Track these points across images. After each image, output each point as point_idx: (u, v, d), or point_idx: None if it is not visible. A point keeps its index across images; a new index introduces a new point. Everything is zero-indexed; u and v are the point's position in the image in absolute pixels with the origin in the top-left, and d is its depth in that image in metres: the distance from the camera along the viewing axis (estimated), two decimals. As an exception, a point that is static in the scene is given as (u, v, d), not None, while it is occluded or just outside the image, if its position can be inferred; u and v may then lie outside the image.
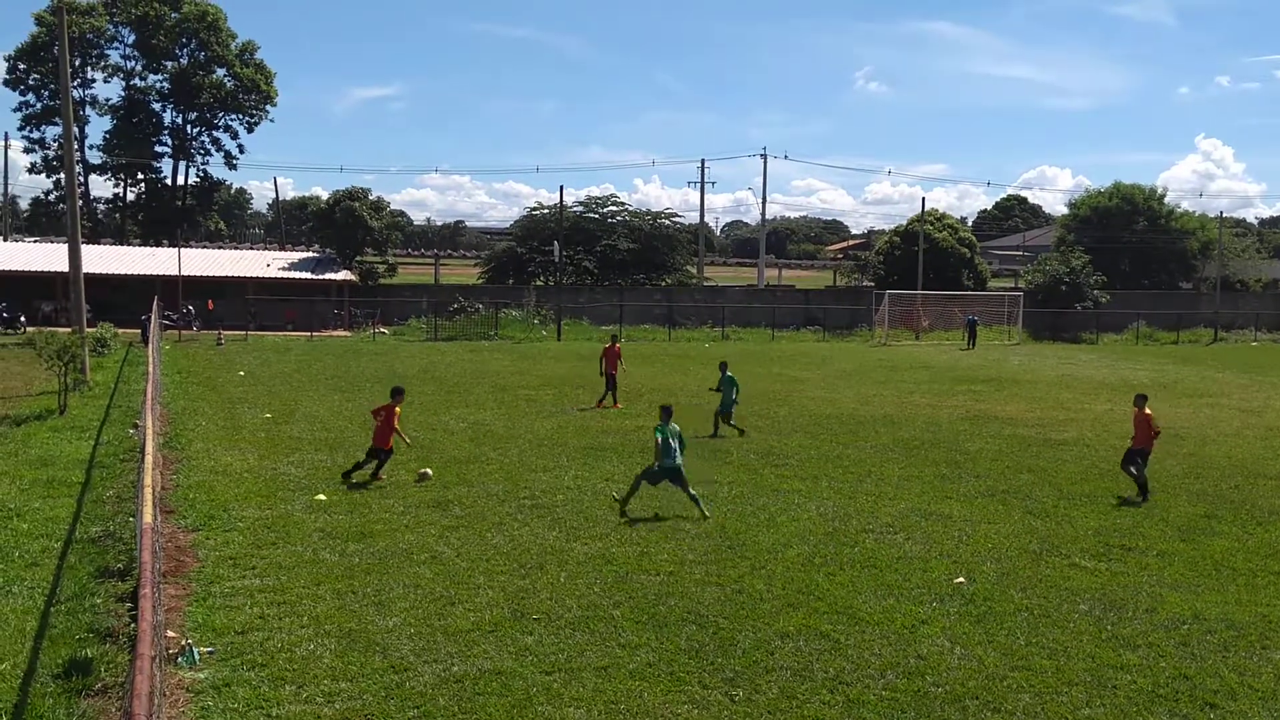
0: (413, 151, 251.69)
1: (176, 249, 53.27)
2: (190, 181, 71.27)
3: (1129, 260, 67.83)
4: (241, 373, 31.89)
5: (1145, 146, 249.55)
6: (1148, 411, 16.95)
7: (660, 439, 14.66)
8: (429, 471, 16.95)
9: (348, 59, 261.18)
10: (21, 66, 65.03)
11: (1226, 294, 65.88)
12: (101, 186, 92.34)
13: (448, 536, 13.36)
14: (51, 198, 69.40)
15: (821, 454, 19.83)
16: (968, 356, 45.08)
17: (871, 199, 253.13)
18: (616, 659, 9.52)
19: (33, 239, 71.72)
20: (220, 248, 76.99)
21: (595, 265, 61.86)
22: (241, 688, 8.69)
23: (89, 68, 67.37)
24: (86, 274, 32.02)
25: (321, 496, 15.30)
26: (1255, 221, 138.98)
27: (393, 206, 63.24)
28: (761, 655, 9.68)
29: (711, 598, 11.20)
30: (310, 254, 59.80)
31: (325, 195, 62.32)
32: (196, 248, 65.31)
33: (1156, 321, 60.70)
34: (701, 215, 79.12)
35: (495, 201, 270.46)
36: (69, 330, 27.94)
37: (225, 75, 67.90)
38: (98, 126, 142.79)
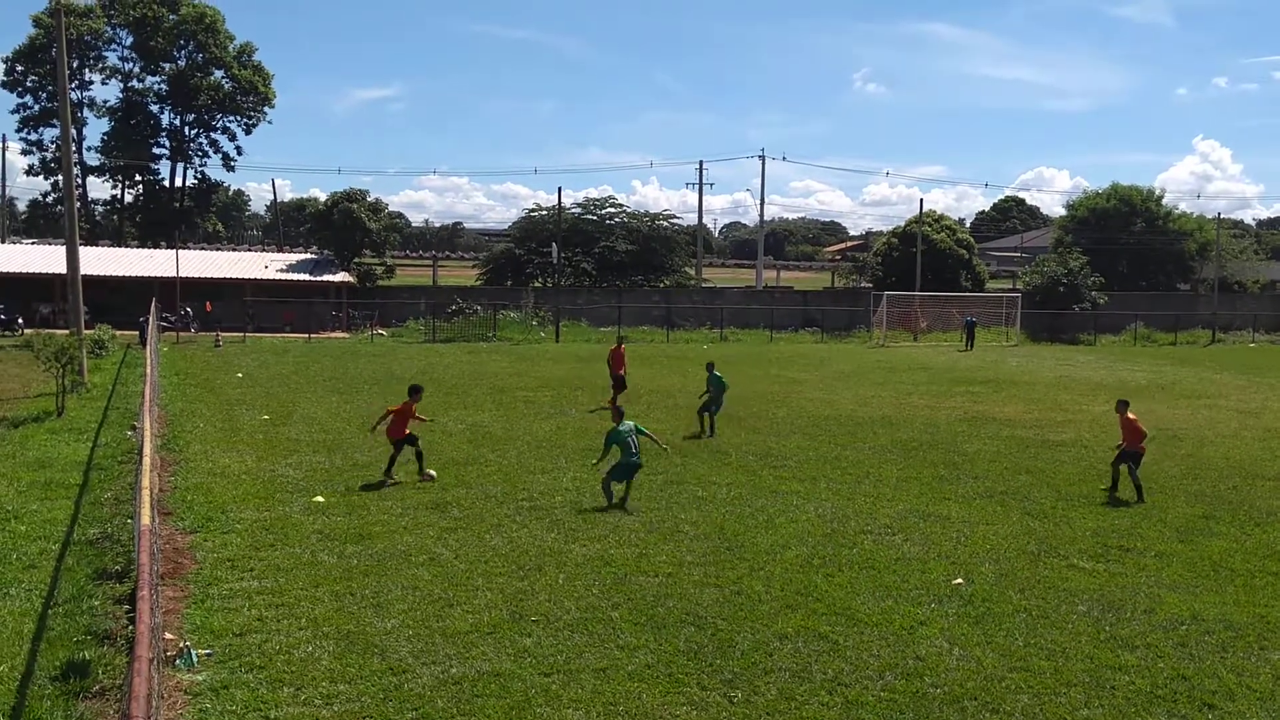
0: (411, 153, 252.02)
1: (174, 251, 53.26)
2: (188, 183, 71.33)
3: (1127, 261, 67.90)
4: (239, 374, 31.88)
5: (1143, 148, 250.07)
6: (1131, 415, 17.03)
7: (620, 441, 15.34)
8: (433, 473, 16.92)
9: (346, 60, 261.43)
10: (19, 68, 65.08)
11: (1224, 295, 65.95)
12: (99, 188, 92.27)
13: (446, 538, 13.35)
14: (49, 199, 69.44)
15: (820, 455, 19.83)
16: (966, 358, 45.10)
17: (869, 200, 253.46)
18: (615, 660, 9.51)
19: (30, 241, 71.74)
20: (218, 249, 77.00)
21: (593, 267, 61.88)
22: (240, 690, 8.68)
23: (87, 69, 67.40)
24: (84, 276, 32.01)
25: (319, 498, 15.29)
26: (1253, 223, 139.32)
27: (391, 208, 63.38)
28: (760, 656, 9.68)
29: (710, 599, 11.20)
30: (308, 256, 59.80)
31: (323, 197, 62.48)
32: (194, 249, 65.30)
33: (1154, 323, 60.74)
34: (700, 216, 79.24)
35: (493, 203, 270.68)
36: (67, 332, 27.92)
37: (223, 77, 67.92)
38: (96, 128, 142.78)
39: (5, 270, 49.71)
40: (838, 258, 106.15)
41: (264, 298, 51.23)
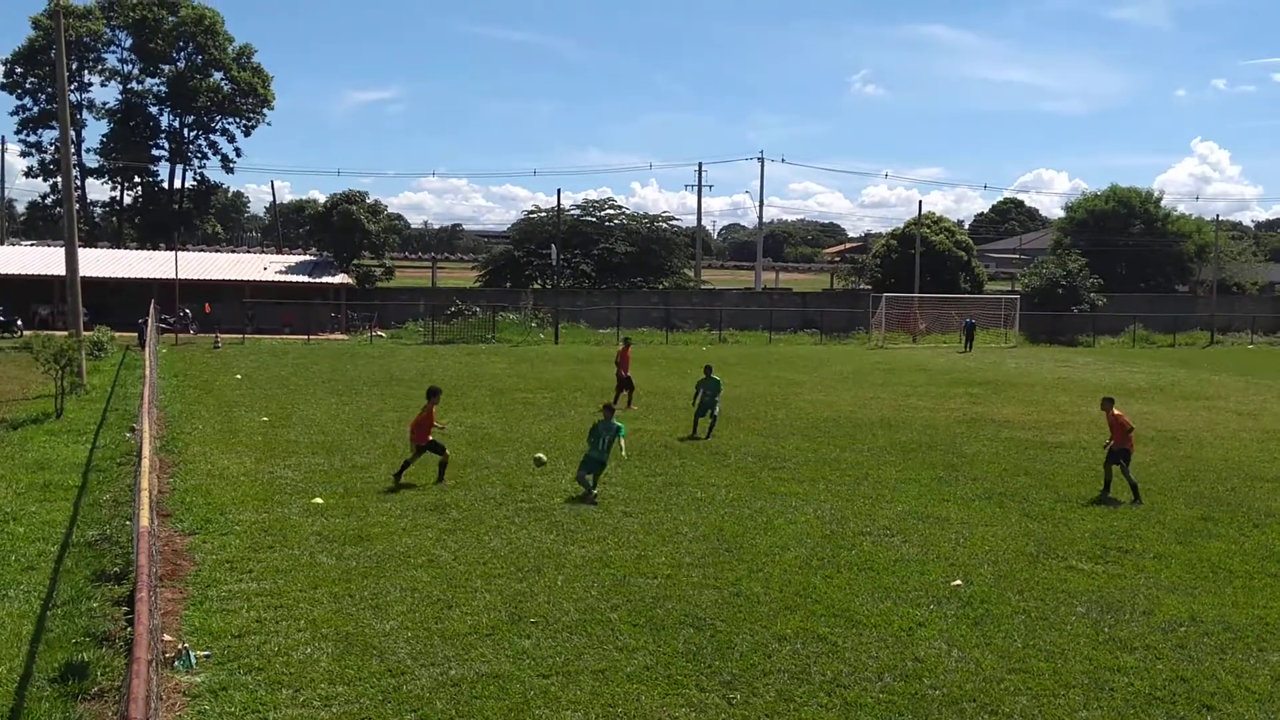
0: (410, 155, 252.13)
1: (173, 252, 53.24)
2: (187, 185, 71.30)
3: (1125, 263, 67.95)
4: (238, 376, 31.87)
5: (1142, 149, 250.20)
6: (1117, 412, 17.06)
7: (594, 435, 16.05)
8: (543, 456, 17.28)
9: (345, 62, 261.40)
10: (19, 70, 65.08)
11: (1223, 297, 65.97)
12: (98, 190, 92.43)
13: (445, 540, 13.35)
14: (48, 201, 69.41)
15: (819, 457, 19.83)
16: (965, 359, 45.12)
17: (868, 202, 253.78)
18: (614, 662, 9.51)
19: (29, 242, 71.74)
20: (217, 251, 77.06)
21: (592, 268, 61.86)
22: (238, 691, 8.68)
23: (86, 71, 67.39)
24: (83, 277, 32.00)
25: (318, 500, 15.28)
26: (1252, 224, 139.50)
27: (390, 210, 63.33)
28: (759, 658, 9.68)
29: (709, 600, 11.21)
30: (307, 257, 59.78)
31: (322, 198, 62.44)
32: (193, 251, 65.29)
33: (1153, 324, 60.76)
34: (699, 218, 79.25)
35: (492, 205, 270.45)
36: (66, 334, 27.91)
37: (222, 79, 67.92)
38: (95, 130, 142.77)
39: (4, 272, 49.66)
40: (837, 259, 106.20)
41: (263, 299, 51.19)
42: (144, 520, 9.36)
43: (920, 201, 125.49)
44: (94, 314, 40.53)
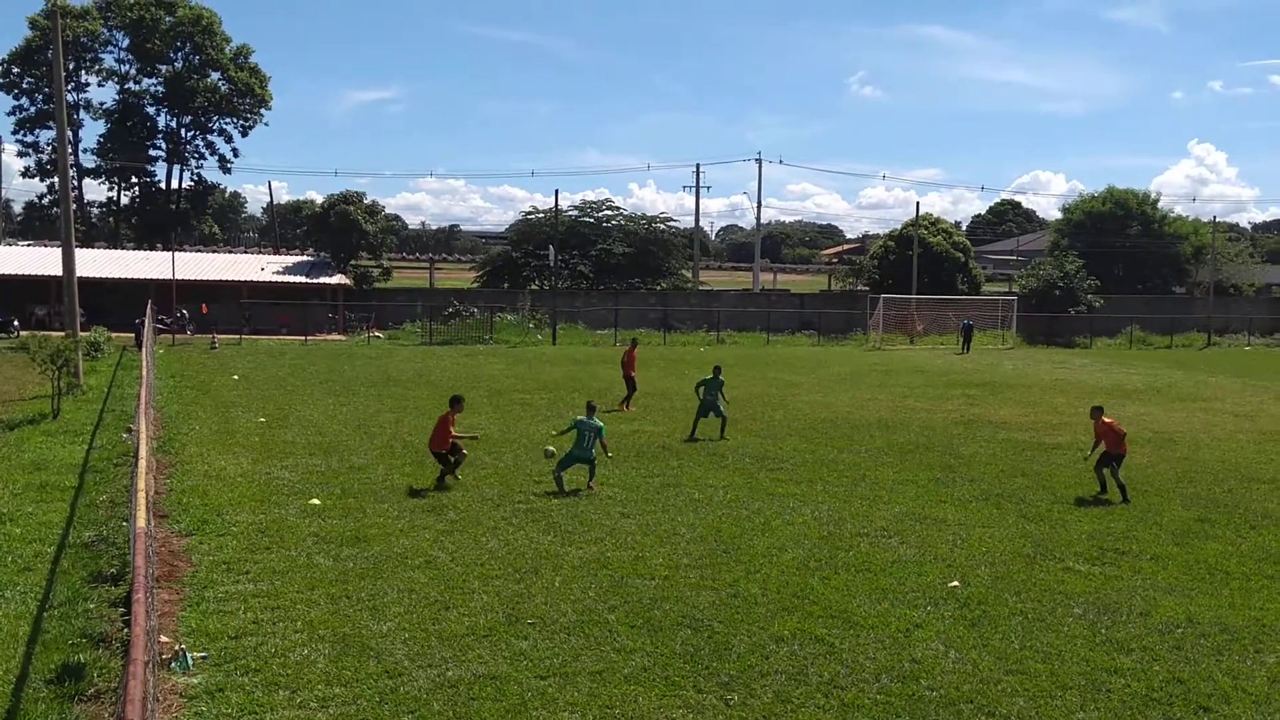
0: (408, 155, 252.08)
1: (170, 253, 53.19)
2: (184, 185, 71.25)
3: (1122, 265, 68.03)
4: (235, 377, 31.84)
5: (1139, 151, 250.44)
6: (1107, 419, 17.08)
7: (580, 430, 16.29)
8: (553, 449, 17.23)
9: (343, 62, 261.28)
10: (15, 70, 64.98)
11: (1220, 299, 66.05)
12: (95, 190, 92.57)
13: (442, 541, 13.34)
14: (45, 201, 69.36)
15: (816, 458, 19.84)
16: (962, 360, 45.15)
17: (866, 203, 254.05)
18: (611, 663, 9.51)
19: (26, 243, 71.61)
20: (214, 251, 76.98)
21: (590, 269, 61.86)
22: (235, 693, 8.67)
23: (83, 71, 67.32)
24: (80, 278, 31.95)
25: (315, 501, 15.27)
26: (1248, 226, 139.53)
27: (387, 210, 63.45)
28: (756, 659, 9.68)
29: (706, 602, 11.21)
30: (305, 258, 59.74)
31: (320, 199, 62.39)
32: (190, 251, 65.23)
33: (1150, 326, 60.82)
34: (697, 219, 79.37)
35: (490, 205, 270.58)
36: (62, 334, 27.87)
37: (220, 79, 67.84)
38: (92, 130, 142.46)
39: (1, 272, 49.63)
40: (834, 260, 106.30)
41: (260, 300, 51.16)
42: (141, 521, 9.35)
43: (918, 203, 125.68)
44: (91, 314, 40.49)
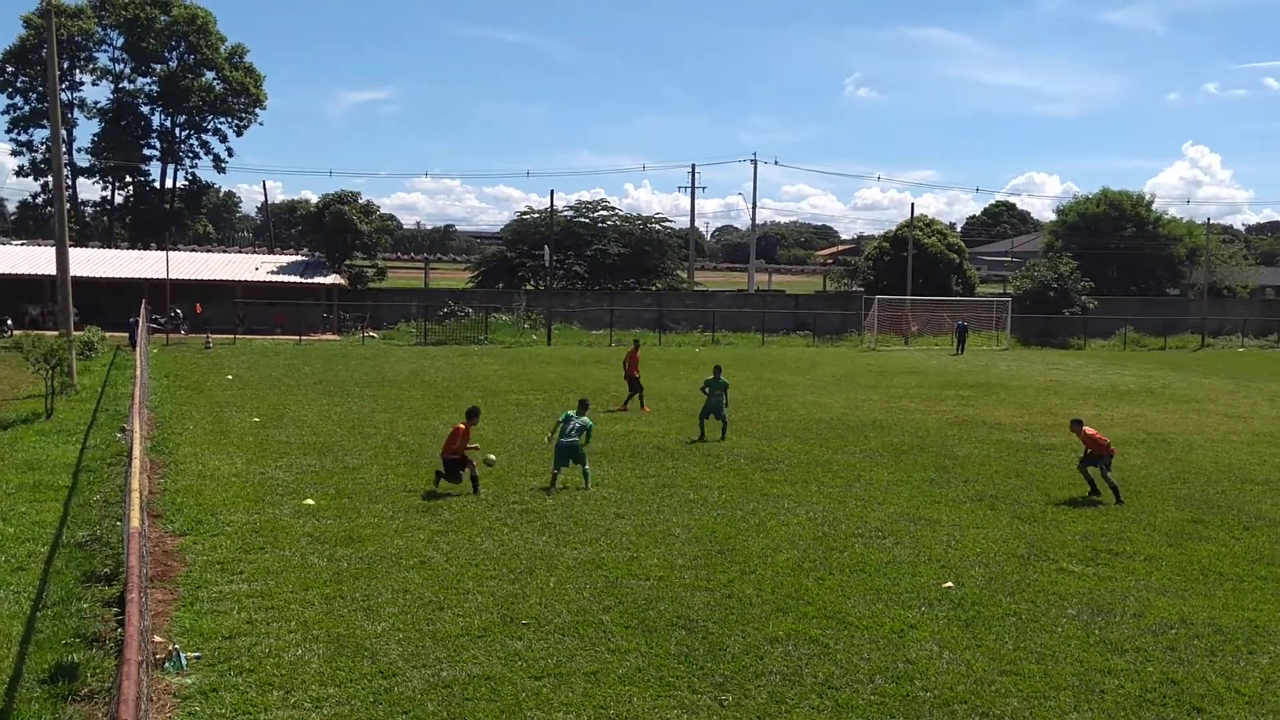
0: (403, 155, 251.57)
1: (164, 252, 53.09)
2: (179, 185, 71.19)
3: (1117, 266, 68.17)
4: (230, 376, 31.79)
5: (1133, 153, 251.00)
6: (1089, 431, 17.12)
7: (564, 420, 16.72)
8: (494, 457, 17.11)
9: (338, 62, 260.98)
10: (9, 69, 64.89)
11: (1213, 300, 66.23)
12: (89, 189, 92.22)
13: (437, 541, 13.33)
14: (39, 201, 69.16)
15: (811, 459, 19.85)
16: (956, 362, 45.21)
17: (861, 204, 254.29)
18: (606, 664, 9.51)
19: (20, 242, 71.40)
20: (209, 251, 76.77)
21: (585, 270, 61.85)
22: (229, 693, 8.66)
23: (77, 70, 67.20)
24: (74, 277, 31.89)
25: (310, 501, 15.25)
26: (1242, 228, 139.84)
27: (382, 210, 63.30)
28: (751, 660, 9.68)
29: (701, 602, 11.21)
30: (299, 257, 59.69)
31: (315, 199, 62.33)
32: (184, 251, 65.09)
33: (1144, 327, 60.96)
34: (692, 220, 79.25)
35: (485, 205, 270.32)
36: (56, 333, 27.81)
37: (214, 78, 67.77)
38: (86, 129, 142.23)
39: (-5, 271, 49.54)
40: (829, 261, 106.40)
41: (255, 299, 51.09)
42: (134, 521, 9.33)
43: (912, 204, 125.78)
44: (85, 314, 40.38)
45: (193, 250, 71.81)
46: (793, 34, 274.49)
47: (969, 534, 14.41)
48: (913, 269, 58.88)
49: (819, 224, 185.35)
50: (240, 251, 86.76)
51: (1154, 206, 71.87)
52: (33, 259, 51.73)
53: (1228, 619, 11.13)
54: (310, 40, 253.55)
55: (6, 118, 66.09)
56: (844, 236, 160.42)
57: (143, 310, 38.06)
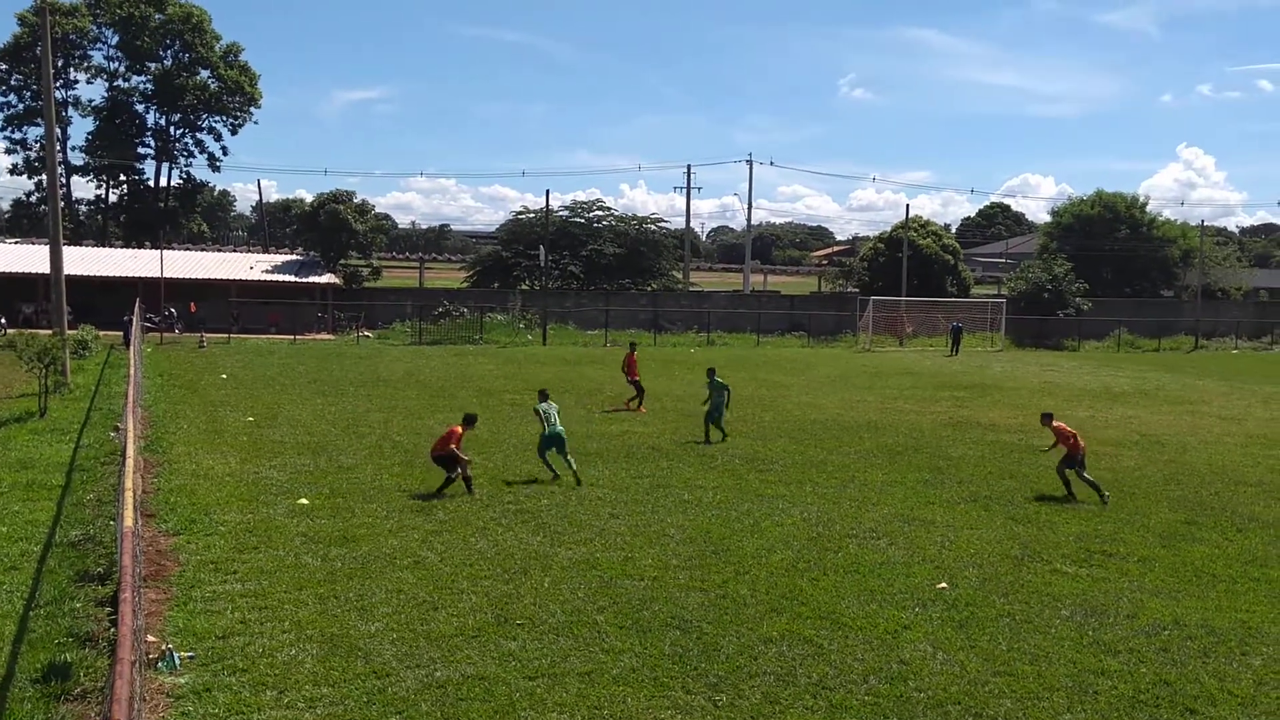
0: (398, 155, 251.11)
1: (159, 251, 52.98)
2: (173, 183, 71.00)
3: (1111, 268, 68.30)
4: (224, 376, 31.74)
5: (1128, 155, 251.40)
6: (1057, 424, 17.37)
7: (541, 414, 17.12)
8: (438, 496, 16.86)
9: (333, 61, 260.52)
10: (3, 67, 64.68)
11: (1207, 302, 66.37)
12: (84, 188, 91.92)
13: (431, 541, 13.32)
14: (33, 199, 68.98)
15: (805, 459, 19.87)
16: (951, 363, 45.27)
17: (856, 205, 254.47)
18: (600, 664, 9.51)
19: (13, 240, 71.24)
20: (203, 250, 76.65)
21: (581, 270, 61.83)
22: (222, 693, 8.64)
23: (72, 68, 67.03)
24: (68, 276, 31.82)
25: (304, 501, 15.23)
26: (1236, 230, 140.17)
27: (378, 209, 63.17)
28: (745, 660, 9.69)
29: (695, 603, 11.21)
30: (294, 257, 59.59)
31: (309, 198, 62.31)
32: (179, 250, 64.99)
33: (1138, 329, 61.08)
34: (687, 220, 79.27)
35: (481, 205, 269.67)
36: (50, 332, 27.75)
37: (209, 77, 67.66)
38: (80, 127, 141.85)
39: (-12, 269, 49.41)
40: (824, 262, 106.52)
41: (249, 299, 51.01)
42: (128, 520, 9.31)
43: (907, 205, 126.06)
44: (78, 312, 40.25)
45: (187, 249, 71.69)
46: (789, 34, 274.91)
47: (963, 535, 14.43)
48: (908, 270, 58.95)
49: (814, 225, 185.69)
50: (235, 250, 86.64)
51: (1148, 208, 72.06)
52: (26, 257, 51.57)
53: (1221, 620, 11.16)
54: (305, 39, 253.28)
55: (1, 115, 65.97)
56: (839, 237, 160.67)
57: (137, 309, 37.99)
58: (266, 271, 53.86)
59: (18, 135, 66.41)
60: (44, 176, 59.68)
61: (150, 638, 9.35)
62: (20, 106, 65.61)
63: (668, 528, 14.32)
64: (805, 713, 8.68)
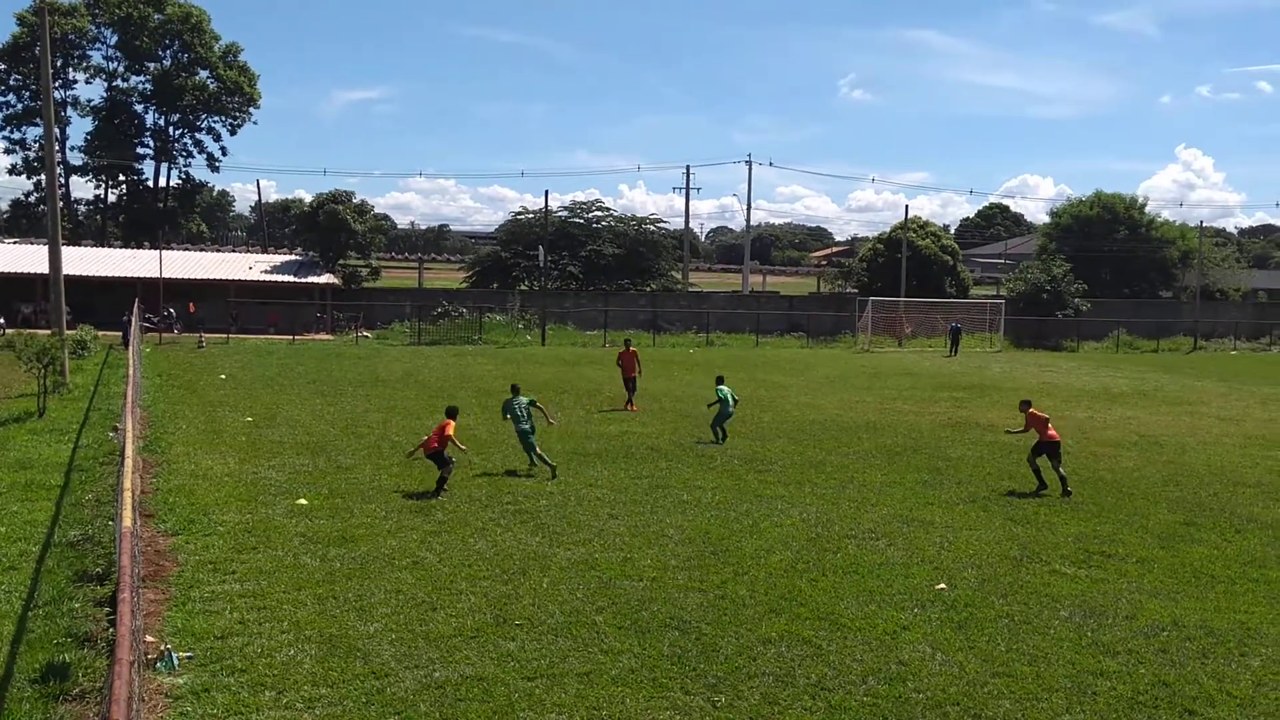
0: (398, 155, 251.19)
1: (158, 251, 52.96)
2: (172, 183, 71.02)
3: (1110, 269, 68.32)
4: (223, 376, 31.73)
5: (1126, 155, 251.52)
6: (1034, 411, 17.70)
7: (510, 411, 17.89)
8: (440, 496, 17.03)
9: (332, 61, 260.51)
10: (2, 67, 64.67)
11: (1206, 303, 66.38)
12: (82, 188, 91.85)
13: (430, 542, 13.32)
14: (32, 199, 68.99)
15: (805, 460, 19.87)
16: (950, 363, 45.28)
17: (855, 206, 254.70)
18: (599, 665, 9.51)
19: (12, 240, 71.21)
20: (202, 250, 76.64)
21: (580, 270, 61.81)
22: (221, 693, 8.64)
23: (71, 68, 67.03)
24: (66, 276, 31.83)
25: (303, 501, 15.23)
26: (1235, 231, 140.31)
27: (377, 210, 63.18)
28: (744, 661, 9.69)
29: (694, 603, 11.21)
30: (293, 257, 59.56)
31: (308, 198, 62.29)
32: (178, 250, 64.97)
33: (1136, 330, 61.09)
34: (686, 221, 79.31)
35: (480, 205, 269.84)
36: (48, 332, 27.74)
37: (208, 77, 67.66)
38: (79, 127, 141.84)
39: (-13, 269, 49.38)
40: (824, 263, 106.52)
41: (248, 299, 50.99)
42: (126, 520, 9.31)
43: (906, 206, 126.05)
44: (77, 313, 40.27)
45: (186, 249, 71.69)
46: (788, 35, 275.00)
47: (962, 536, 14.43)
48: (906, 271, 58.96)
49: (813, 225, 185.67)
50: (234, 251, 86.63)
51: (1147, 209, 72.08)
52: (25, 257, 51.55)
53: (1219, 621, 11.16)
54: (305, 39, 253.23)
55: (0, 115, 65.95)
56: (838, 238, 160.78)
57: (136, 309, 37.97)
58: (265, 272, 53.84)
59: (17, 135, 66.51)
60: (43, 176, 59.74)
61: (149, 638, 9.34)
62: (19, 106, 65.64)
63: (666, 528, 14.32)
64: (804, 713, 8.68)
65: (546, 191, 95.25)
